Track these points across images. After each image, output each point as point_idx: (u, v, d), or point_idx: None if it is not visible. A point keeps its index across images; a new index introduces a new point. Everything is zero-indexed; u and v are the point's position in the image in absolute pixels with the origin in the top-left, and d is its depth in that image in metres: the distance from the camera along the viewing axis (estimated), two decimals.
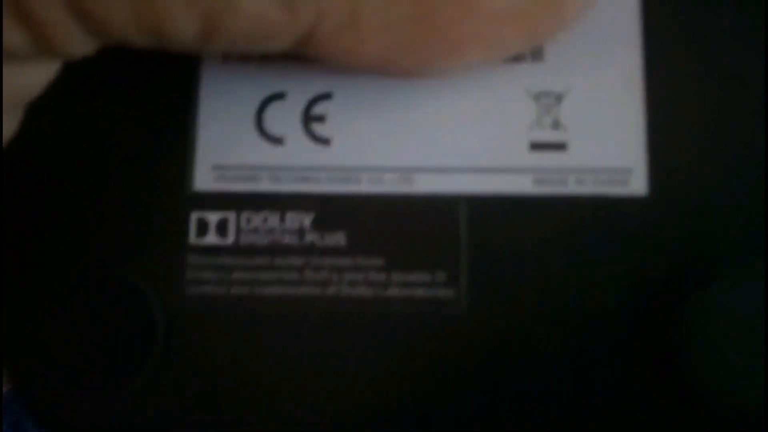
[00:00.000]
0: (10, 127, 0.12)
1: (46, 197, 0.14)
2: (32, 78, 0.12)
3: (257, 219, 0.14)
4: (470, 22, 0.12)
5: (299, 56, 0.13)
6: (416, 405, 0.13)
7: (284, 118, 0.14)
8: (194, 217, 0.14)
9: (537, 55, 0.14)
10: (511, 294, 0.13)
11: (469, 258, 0.13)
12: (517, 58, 0.14)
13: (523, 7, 0.12)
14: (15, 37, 0.11)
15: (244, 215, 0.14)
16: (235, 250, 0.14)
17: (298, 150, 0.14)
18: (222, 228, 0.14)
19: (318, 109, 0.14)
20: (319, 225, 0.14)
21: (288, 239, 0.14)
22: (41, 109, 0.13)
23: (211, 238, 0.14)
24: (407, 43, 0.12)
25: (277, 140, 0.14)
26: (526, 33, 0.12)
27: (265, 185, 0.14)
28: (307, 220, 0.14)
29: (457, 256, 0.13)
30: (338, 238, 0.13)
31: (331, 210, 0.14)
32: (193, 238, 0.14)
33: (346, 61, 0.12)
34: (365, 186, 0.14)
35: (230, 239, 0.14)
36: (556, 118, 0.14)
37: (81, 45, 0.11)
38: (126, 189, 0.14)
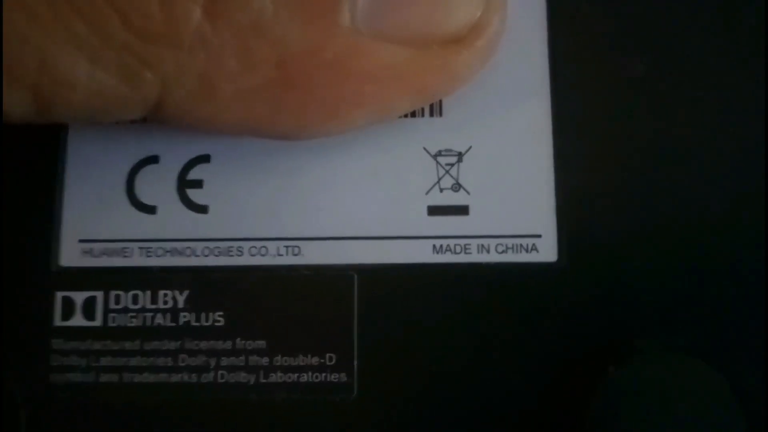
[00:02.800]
0: None
1: None
2: None
3: (127, 298, 0.12)
4: (346, 84, 0.11)
5: None
6: None
7: (157, 185, 0.12)
8: (59, 296, 0.12)
9: (435, 110, 0.12)
10: (410, 375, 0.12)
11: (362, 337, 0.12)
12: (413, 114, 0.12)
13: (406, 66, 0.11)
14: None
15: (113, 294, 0.12)
16: (103, 333, 0.12)
17: (172, 219, 0.12)
18: (89, 308, 0.12)
19: (194, 173, 0.12)
20: (194, 304, 0.12)
21: (160, 320, 0.12)
22: None
23: (78, 320, 0.12)
24: (275, 108, 0.11)
25: (149, 209, 0.12)
26: (412, 93, 0.11)
27: (135, 260, 0.12)
28: (181, 298, 0.12)
29: (350, 336, 0.12)
30: (216, 318, 0.12)
31: (208, 286, 0.12)
32: (57, 320, 0.12)
33: (210, 129, 0.11)
34: (247, 258, 0.12)
35: (98, 321, 0.12)
36: (456, 180, 0.12)
37: None
38: None
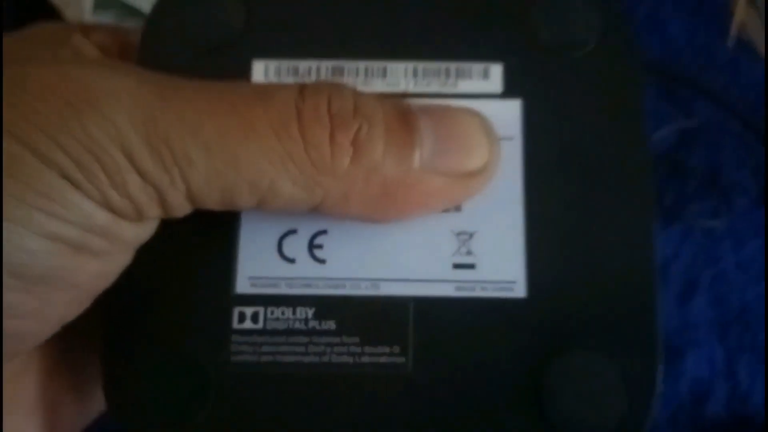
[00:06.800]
0: (125, 262, 0.20)
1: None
2: (146, 230, 0.19)
3: (278, 312, 0.20)
4: (416, 197, 0.19)
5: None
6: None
7: (295, 246, 0.20)
8: (236, 310, 0.20)
9: (458, 208, 0.21)
10: (441, 362, 0.20)
11: (414, 338, 0.19)
12: (445, 210, 0.21)
13: (446, 188, 0.20)
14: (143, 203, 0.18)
15: (270, 309, 0.20)
16: (263, 332, 0.20)
17: (304, 267, 0.20)
18: (255, 318, 0.20)
19: (318, 240, 0.20)
20: (318, 316, 0.20)
21: (297, 325, 0.20)
22: None
23: (248, 324, 0.20)
24: (376, 209, 0.20)
25: (291, 260, 0.20)
26: (448, 202, 0.20)
27: (283, 290, 0.20)
28: (310, 312, 0.20)
29: (407, 336, 0.20)
30: (330, 325, 0.20)
31: (326, 306, 0.20)
32: (235, 324, 0.20)
33: (338, 217, 0.20)
34: (349, 291, 0.20)
35: (260, 325, 0.20)
36: (469, 249, 0.21)
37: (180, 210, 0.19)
38: (193, 292, 0.21)
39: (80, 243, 0.16)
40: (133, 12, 0.54)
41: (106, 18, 0.53)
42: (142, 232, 0.18)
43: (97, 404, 0.23)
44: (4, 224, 0.14)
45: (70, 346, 0.21)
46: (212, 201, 0.18)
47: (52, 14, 0.54)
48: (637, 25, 0.66)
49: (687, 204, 0.55)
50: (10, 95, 0.14)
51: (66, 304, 0.17)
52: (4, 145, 0.14)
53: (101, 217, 0.16)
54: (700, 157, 0.59)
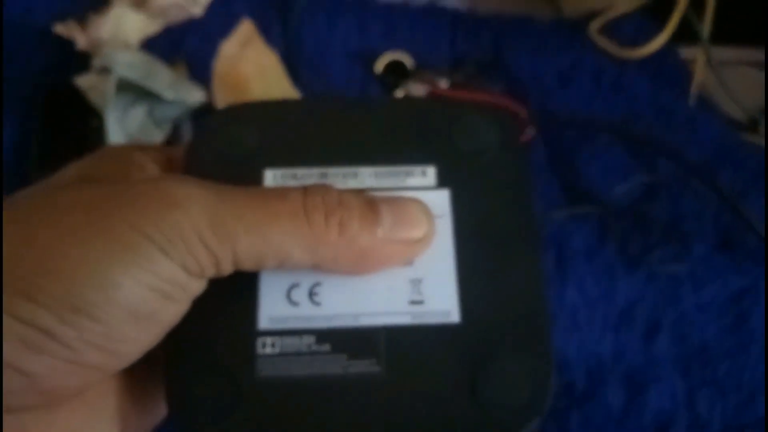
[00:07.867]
0: (188, 307, 0.27)
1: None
2: (203, 285, 0.28)
3: (289, 340, 0.27)
4: (380, 258, 0.29)
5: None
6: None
7: (299, 294, 0.27)
8: (260, 340, 0.26)
9: (410, 262, 0.30)
10: (405, 369, 0.27)
11: (386, 353, 0.26)
12: (402, 265, 0.30)
13: (400, 250, 0.29)
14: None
15: (283, 338, 0.27)
16: (279, 355, 0.26)
17: (306, 308, 0.27)
18: (273, 345, 0.27)
19: (315, 289, 0.27)
20: (317, 342, 0.27)
21: (303, 349, 0.26)
22: None
23: (268, 350, 0.26)
24: (356, 267, 0.29)
25: (296, 304, 0.27)
26: (402, 260, 0.29)
27: (292, 325, 0.27)
28: (311, 340, 0.27)
29: (380, 352, 0.26)
30: (326, 347, 0.26)
31: (322, 335, 0.27)
32: (259, 349, 0.26)
33: (331, 272, 0.29)
34: (338, 323, 0.27)
35: (277, 350, 0.27)
36: (419, 290, 0.28)
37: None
38: (229, 328, 0.29)
39: (168, 293, 0.24)
40: (148, 94, 0.64)
41: (126, 98, 0.61)
42: (201, 286, 0.25)
43: (152, 418, 0.28)
44: (128, 281, 0.23)
45: (136, 371, 0.26)
46: (249, 264, 0.25)
47: (78, 97, 0.62)
48: (604, 87, 0.73)
49: (650, 251, 0.62)
50: (132, 203, 0.23)
51: (155, 335, 0.25)
52: (128, 232, 0.23)
53: (181, 276, 0.24)
54: (662, 208, 0.65)
